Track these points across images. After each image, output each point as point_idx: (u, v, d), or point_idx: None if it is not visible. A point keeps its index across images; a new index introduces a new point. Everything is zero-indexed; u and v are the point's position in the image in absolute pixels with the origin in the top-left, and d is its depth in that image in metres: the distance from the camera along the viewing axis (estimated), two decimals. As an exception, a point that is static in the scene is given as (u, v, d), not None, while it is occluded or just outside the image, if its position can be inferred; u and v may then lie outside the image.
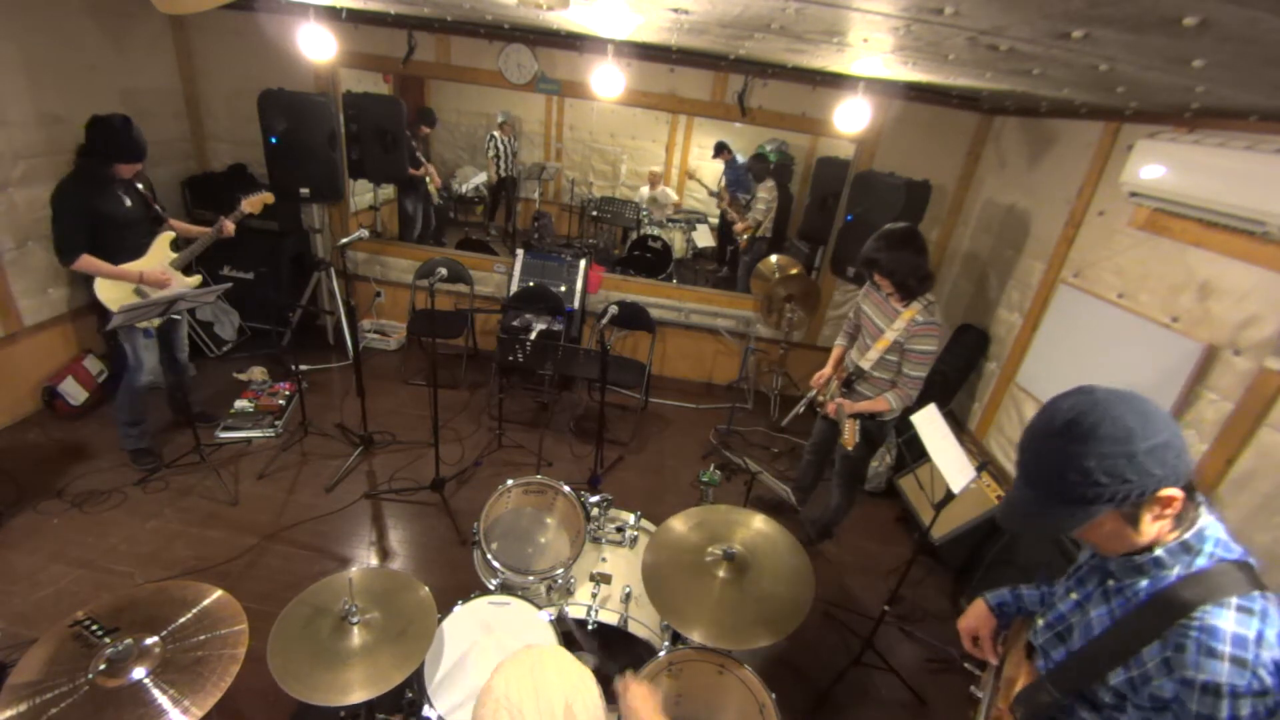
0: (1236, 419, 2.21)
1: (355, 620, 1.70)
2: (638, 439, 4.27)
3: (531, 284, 4.40)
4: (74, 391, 3.64)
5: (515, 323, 4.13)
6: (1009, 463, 3.42)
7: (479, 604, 2.00)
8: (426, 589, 1.85)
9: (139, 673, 1.45)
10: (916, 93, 3.98)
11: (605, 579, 2.16)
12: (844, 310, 3.01)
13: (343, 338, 4.76)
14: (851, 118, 3.56)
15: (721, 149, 6.77)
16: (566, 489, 2.37)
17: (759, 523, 2.12)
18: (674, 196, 7.67)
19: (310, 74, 4.34)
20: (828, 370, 3.03)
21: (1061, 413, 1.00)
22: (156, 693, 1.43)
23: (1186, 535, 1.02)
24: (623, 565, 2.26)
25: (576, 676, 1.39)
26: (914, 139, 4.21)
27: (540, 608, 1.99)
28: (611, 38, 3.64)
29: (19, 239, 3.40)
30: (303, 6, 3.69)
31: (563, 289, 4.43)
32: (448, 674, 1.78)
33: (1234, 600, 0.96)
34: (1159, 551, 1.03)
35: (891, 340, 2.65)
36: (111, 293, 2.98)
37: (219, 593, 1.70)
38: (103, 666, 1.44)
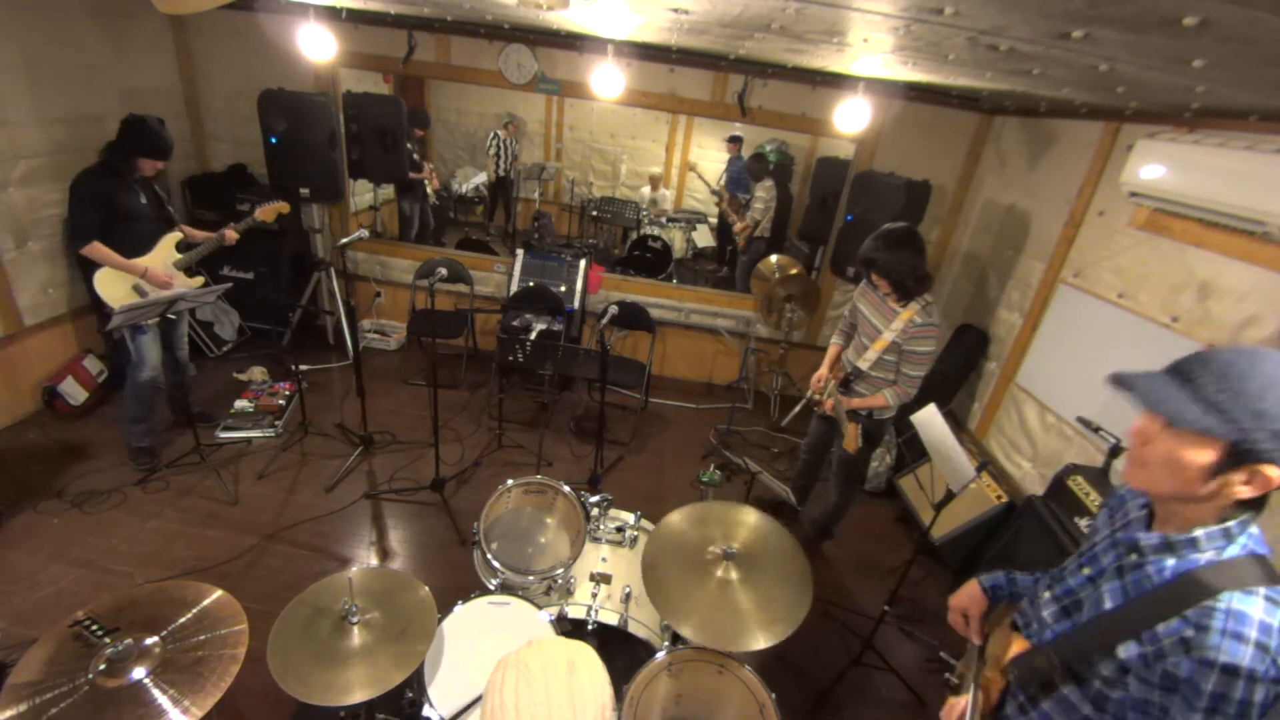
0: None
1: (355, 620, 1.70)
2: (638, 439, 4.27)
3: (531, 284, 4.40)
4: (74, 391, 3.64)
5: (515, 323, 4.13)
6: (1009, 462, 3.43)
7: (479, 604, 2.00)
8: (426, 589, 1.85)
9: (139, 673, 1.45)
10: (916, 93, 3.98)
11: (605, 579, 2.16)
12: (844, 310, 3.00)
13: (343, 338, 4.76)
14: (851, 118, 3.56)
15: (735, 141, 6.69)
16: (566, 489, 2.37)
17: (756, 520, 2.11)
18: (670, 200, 7.70)
19: (310, 74, 4.34)
20: (824, 371, 3.02)
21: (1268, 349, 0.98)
22: (156, 693, 1.43)
23: (1231, 523, 1.02)
24: (623, 565, 2.26)
25: (576, 645, 1.58)
26: (914, 139, 4.21)
27: (540, 608, 1.99)
28: (611, 38, 3.64)
29: (19, 239, 3.40)
30: (303, 6, 3.69)
31: (563, 289, 4.43)
32: (448, 674, 1.78)
33: (1262, 590, 0.97)
34: (1198, 533, 1.03)
35: (889, 341, 2.65)
36: (111, 289, 2.99)
37: (219, 593, 1.70)
38: (103, 666, 1.44)
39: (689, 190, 8.14)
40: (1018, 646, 1.25)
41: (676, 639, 2.02)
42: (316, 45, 3.52)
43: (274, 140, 3.95)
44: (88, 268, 3.07)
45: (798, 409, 4.60)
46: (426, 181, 6.17)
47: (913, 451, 3.40)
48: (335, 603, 1.74)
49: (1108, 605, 1.12)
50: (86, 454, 3.36)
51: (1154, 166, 2.51)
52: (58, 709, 1.36)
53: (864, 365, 2.77)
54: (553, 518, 2.39)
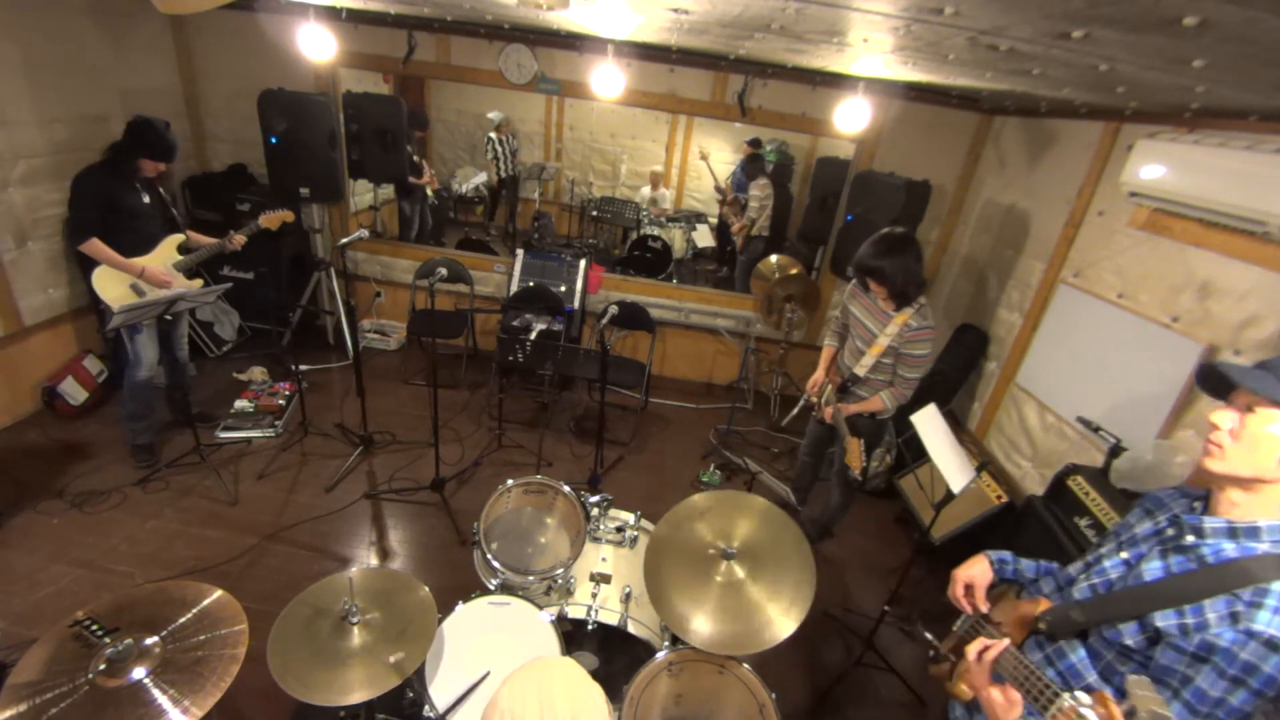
0: (1236, 419, 2.21)
1: (355, 620, 1.70)
2: (638, 439, 4.27)
3: (531, 284, 4.40)
4: (74, 391, 3.64)
5: (515, 323, 4.13)
6: (1009, 462, 3.43)
7: (479, 604, 1.99)
8: (426, 589, 1.85)
9: (139, 673, 1.45)
10: (916, 93, 3.98)
11: (605, 579, 2.16)
12: (834, 311, 2.99)
13: (343, 338, 4.76)
14: (851, 118, 3.56)
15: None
16: (566, 489, 2.36)
17: (760, 517, 2.11)
18: (670, 199, 7.68)
19: (310, 74, 4.34)
20: (820, 375, 3.01)
21: None
22: (156, 693, 1.42)
23: None
24: (623, 565, 2.26)
25: (584, 692, 1.34)
26: (914, 139, 4.21)
27: (540, 608, 1.99)
28: (611, 38, 3.64)
29: (19, 239, 3.40)
30: (303, 6, 3.69)
31: (563, 289, 4.43)
32: (448, 674, 1.78)
33: None
34: (1261, 523, 1.09)
35: (886, 346, 2.65)
36: (110, 289, 3.00)
37: (219, 593, 1.70)
38: (103, 666, 1.44)
39: (689, 190, 8.13)
40: (1045, 604, 1.33)
41: (676, 639, 2.02)
42: (316, 45, 3.52)
43: (274, 140, 3.95)
44: (87, 266, 3.08)
45: (797, 409, 4.60)
46: (426, 184, 6.17)
47: (913, 451, 3.39)
48: (335, 603, 1.74)
49: (1147, 581, 1.18)
50: (86, 454, 3.36)
51: (1154, 166, 2.51)
52: (58, 709, 1.36)
53: (861, 371, 2.76)
54: (553, 518, 2.39)
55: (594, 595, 2.10)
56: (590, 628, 2.03)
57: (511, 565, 2.12)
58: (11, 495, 2.99)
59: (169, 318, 3.26)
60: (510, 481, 2.36)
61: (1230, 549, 1.11)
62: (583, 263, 4.55)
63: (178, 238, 3.22)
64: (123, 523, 2.96)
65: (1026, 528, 2.78)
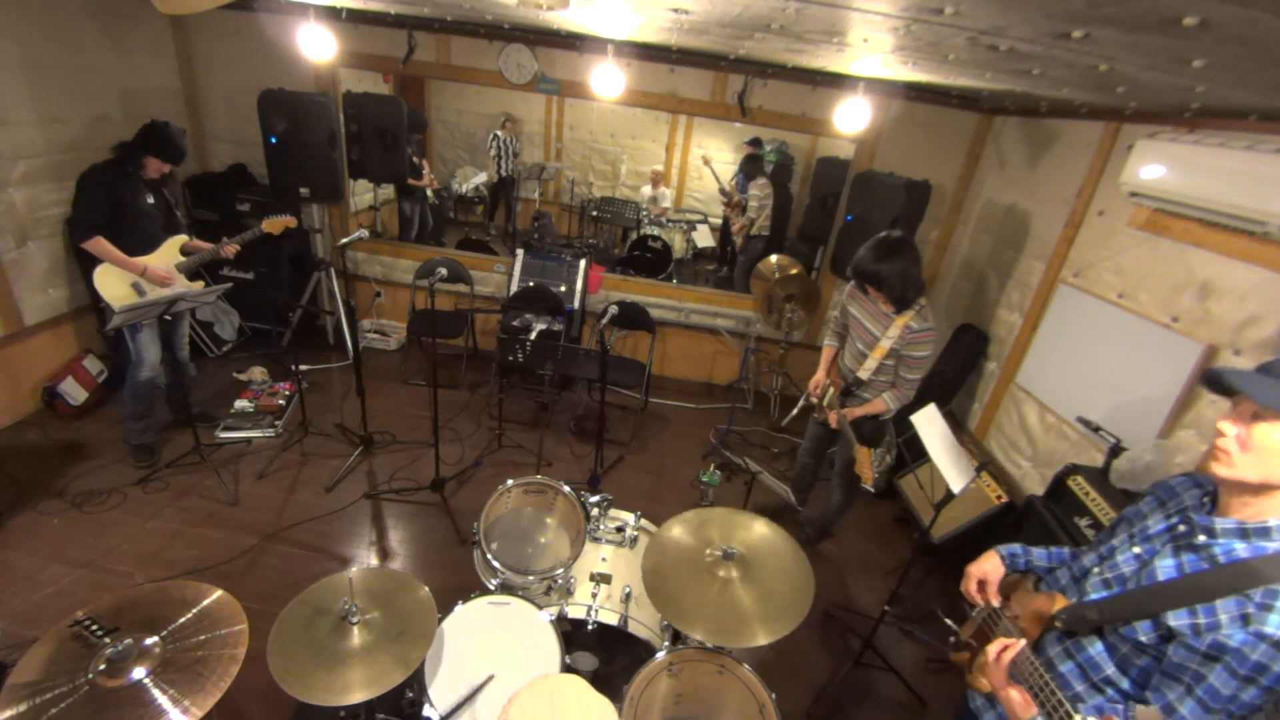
0: (1236, 419, 2.21)
1: (355, 620, 1.70)
2: (638, 439, 4.27)
3: (531, 284, 4.40)
4: (74, 391, 3.64)
5: (515, 323, 4.13)
6: (1009, 462, 3.42)
7: (479, 604, 1.99)
8: (426, 589, 1.85)
9: (139, 673, 1.45)
10: (916, 93, 3.98)
11: (605, 579, 2.16)
12: (834, 311, 2.99)
13: (343, 338, 4.75)
14: (851, 118, 3.56)
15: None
16: (566, 489, 2.36)
17: (759, 525, 2.12)
18: (670, 198, 7.67)
19: (310, 74, 4.34)
20: (821, 376, 3.01)
21: None
22: (156, 693, 1.42)
23: None
24: (623, 565, 2.26)
25: (597, 709, 1.32)
26: (914, 139, 4.21)
27: (540, 608, 1.99)
28: (611, 38, 3.64)
29: (19, 239, 3.40)
30: (303, 6, 3.69)
31: (563, 289, 4.43)
32: (448, 674, 1.78)
33: None
34: (1272, 522, 1.11)
35: (888, 349, 2.65)
36: (110, 287, 3.00)
37: (219, 593, 1.70)
38: (103, 666, 1.44)
39: (690, 190, 8.13)
40: (1061, 601, 1.35)
41: (676, 639, 2.02)
42: (316, 45, 3.52)
43: (274, 140, 3.95)
44: (88, 265, 3.08)
45: (797, 409, 4.60)
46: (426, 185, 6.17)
47: (913, 451, 3.39)
48: (335, 603, 1.74)
49: (1160, 580, 1.20)
50: (86, 454, 3.36)
51: (1154, 166, 2.51)
52: (58, 709, 1.36)
53: (864, 374, 2.76)
54: (553, 518, 2.39)
55: (594, 595, 2.10)
56: (590, 628, 2.03)
57: (511, 565, 2.12)
58: (11, 495, 2.99)
59: (169, 318, 3.26)
60: (510, 481, 2.36)
61: (1241, 549, 1.13)
62: (583, 263, 4.55)
63: (180, 238, 3.23)
64: (123, 523, 2.96)
65: (1026, 528, 2.78)
